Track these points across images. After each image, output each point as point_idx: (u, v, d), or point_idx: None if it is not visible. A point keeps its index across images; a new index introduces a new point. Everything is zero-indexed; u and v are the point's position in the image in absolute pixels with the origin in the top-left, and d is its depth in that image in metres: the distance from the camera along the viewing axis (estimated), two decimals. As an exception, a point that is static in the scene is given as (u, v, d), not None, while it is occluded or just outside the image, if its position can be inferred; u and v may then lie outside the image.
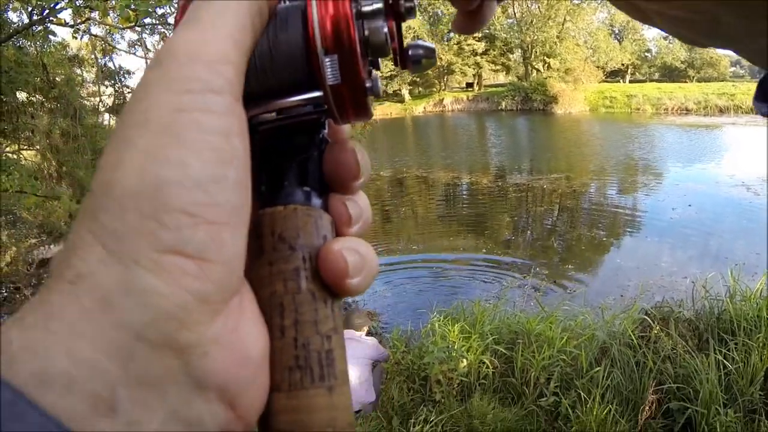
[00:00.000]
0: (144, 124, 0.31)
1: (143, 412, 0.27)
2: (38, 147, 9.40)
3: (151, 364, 0.28)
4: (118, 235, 0.29)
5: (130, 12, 6.47)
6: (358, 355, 5.73)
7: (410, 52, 0.42)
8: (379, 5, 0.38)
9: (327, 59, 0.35)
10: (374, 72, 0.42)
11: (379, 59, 0.42)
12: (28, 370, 0.25)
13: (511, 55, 56.82)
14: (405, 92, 57.97)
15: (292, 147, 0.39)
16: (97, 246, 0.29)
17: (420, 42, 0.42)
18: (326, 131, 0.42)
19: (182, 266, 0.29)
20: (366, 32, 0.37)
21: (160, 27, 9.70)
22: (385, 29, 0.38)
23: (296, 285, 0.35)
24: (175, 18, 0.37)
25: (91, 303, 0.28)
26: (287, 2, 0.37)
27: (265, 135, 0.38)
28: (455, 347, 5.86)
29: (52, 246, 11.49)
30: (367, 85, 0.37)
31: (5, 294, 9.73)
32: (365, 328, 6.18)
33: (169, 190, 0.30)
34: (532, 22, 51.87)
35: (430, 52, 0.42)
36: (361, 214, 0.40)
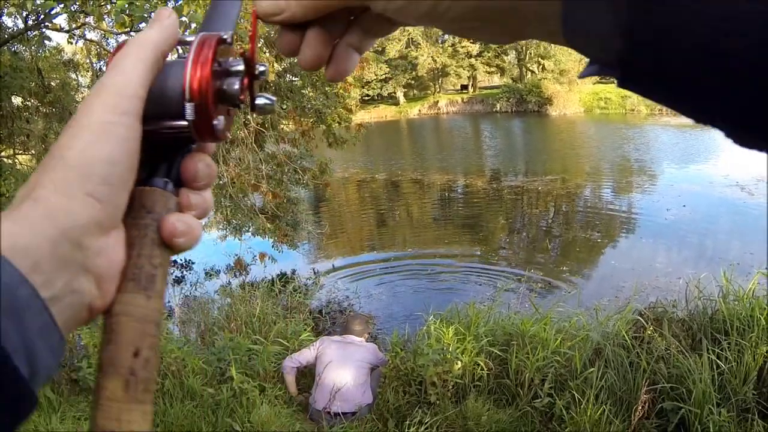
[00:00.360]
0: (87, 126, 0.49)
1: (56, 276, 0.44)
2: (34, 152, 9.38)
3: (67, 251, 0.45)
4: (64, 182, 0.46)
5: (125, 17, 6.48)
6: (357, 358, 5.75)
7: (256, 102, 0.57)
8: (240, 68, 0.55)
9: (188, 105, 0.51)
10: (231, 110, 0.58)
11: (261, 97, 0.58)
12: (6, 244, 0.42)
13: (505, 57, 56.76)
14: (400, 95, 57.97)
15: (163, 151, 0.55)
16: (51, 185, 0.46)
17: (265, 96, 0.58)
18: (196, 145, 0.56)
19: (93, 204, 0.47)
20: (224, 86, 0.53)
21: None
22: (236, 85, 0.54)
23: (145, 233, 0.52)
24: (112, 53, 0.54)
25: (44, 212, 0.45)
26: (173, 58, 0.53)
27: (149, 142, 0.52)
28: (450, 349, 5.87)
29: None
30: (214, 122, 0.52)
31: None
32: (366, 335, 6.20)
33: (95, 164, 0.48)
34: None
35: (270, 105, 0.58)
36: (200, 205, 0.56)
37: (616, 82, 0.42)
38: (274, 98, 0.58)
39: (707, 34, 0.35)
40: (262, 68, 0.56)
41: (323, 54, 0.54)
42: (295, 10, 0.50)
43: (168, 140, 0.53)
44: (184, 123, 0.51)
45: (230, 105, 0.55)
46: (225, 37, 0.53)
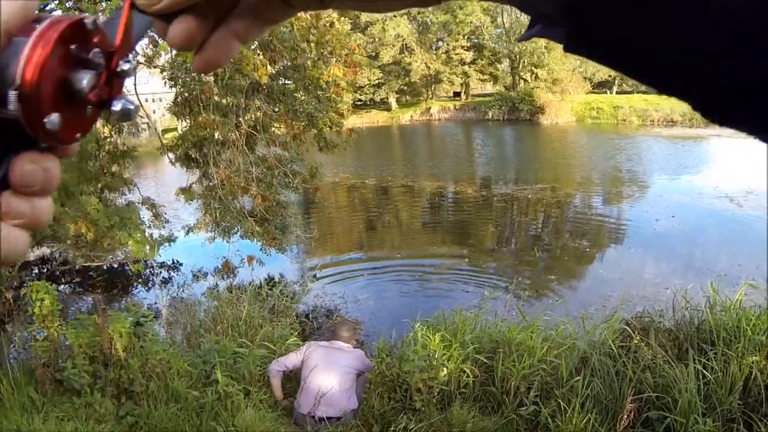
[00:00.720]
0: None
1: None
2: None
3: None
4: None
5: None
6: (343, 364, 5.74)
7: (112, 106, 0.49)
8: (100, 60, 0.47)
9: (11, 92, 0.42)
10: (86, 109, 0.48)
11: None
12: None
13: (499, 65, 56.88)
14: (392, 100, 57.98)
15: None
16: None
17: (126, 100, 0.49)
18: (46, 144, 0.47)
19: None
20: (71, 79, 0.45)
21: (149, 31, 9.65)
22: (85, 81, 0.45)
23: None
24: None
25: None
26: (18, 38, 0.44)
27: None
28: (436, 356, 5.86)
29: (35, 248, 11.43)
30: (45, 118, 0.43)
31: (-14, 297, 9.68)
32: (353, 342, 6.19)
33: None
34: (520, 32, 51.94)
35: (128, 112, 0.49)
36: (24, 214, 0.46)
37: (562, 45, 0.38)
38: (133, 104, 0.51)
39: None
40: (126, 65, 0.49)
41: (196, 33, 0.47)
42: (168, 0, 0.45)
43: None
44: (12, 112, 0.44)
45: (79, 102, 0.46)
46: (87, 21, 0.45)
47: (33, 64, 0.42)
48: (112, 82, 0.48)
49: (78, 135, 0.48)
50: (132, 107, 0.49)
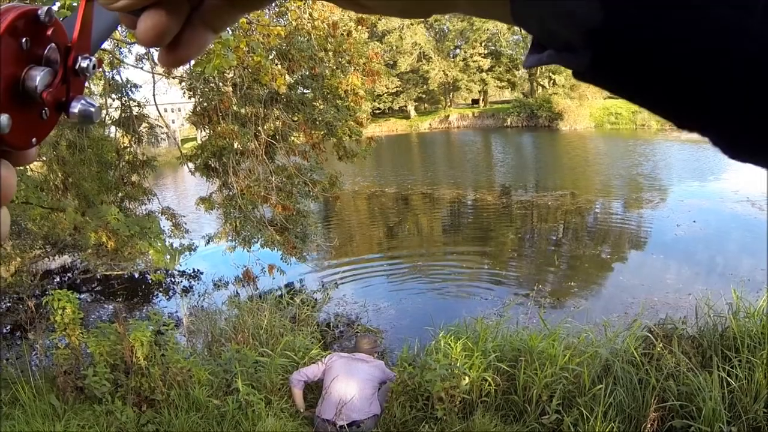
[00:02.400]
0: None
1: None
2: (45, 158, 9.41)
3: None
4: None
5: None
6: (364, 373, 5.73)
7: (70, 107, 0.44)
8: (56, 57, 0.42)
9: None
10: (42, 110, 0.43)
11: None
12: None
13: (516, 72, 56.80)
14: (411, 108, 58.06)
15: None
16: None
17: (85, 101, 0.44)
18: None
19: None
20: (23, 77, 0.40)
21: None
22: (38, 79, 0.40)
23: None
24: None
25: None
26: None
27: None
28: (458, 364, 5.84)
29: (56, 257, 11.51)
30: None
31: (9, 304, 9.75)
32: (374, 354, 6.19)
33: None
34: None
35: (90, 113, 0.44)
36: None
37: (574, 72, 0.35)
38: (95, 105, 0.45)
39: (725, 17, 0.29)
40: (85, 62, 0.44)
41: (165, 27, 0.42)
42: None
43: None
44: None
45: (32, 103, 0.42)
46: (40, 12, 0.40)
47: None
48: (69, 80, 0.44)
49: (34, 139, 0.43)
50: (93, 108, 0.45)
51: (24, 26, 0.39)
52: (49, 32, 0.41)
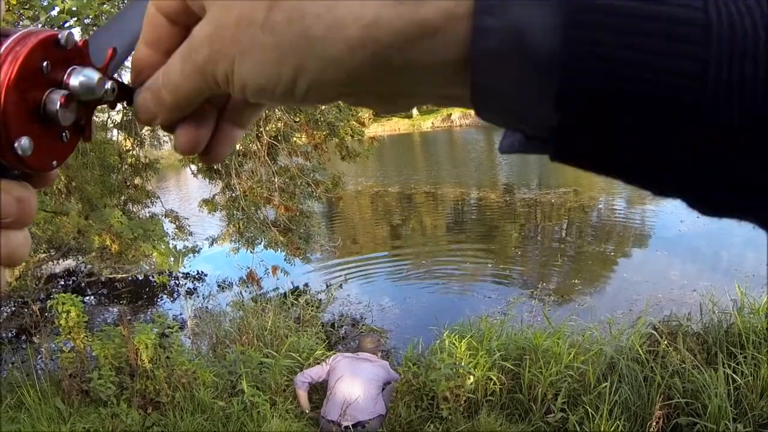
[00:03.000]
0: None
1: None
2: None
3: None
4: None
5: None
6: (368, 373, 5.74)
7: (69, 81, 0.43)
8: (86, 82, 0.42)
9: None
10: (62, 132, 0.43)
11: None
12: None
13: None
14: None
15: None
16: None
17: (86, 72, 0.43)
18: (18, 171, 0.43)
19: None
20: (44, 100, 0.40)
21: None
22: (58, 103, 0.40)
23: None
24: None
25: None
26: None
27: None
28: (462, 363, 5.84)
29: (60, 261, 11.52)
30: (15, 142, 0.39)
31: (13, 308, 9.76)
32: (378, 353, 6.21)
33: None
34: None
35: (88, 89, 0.43)
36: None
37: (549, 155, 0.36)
38: (95, 75, 0.43)
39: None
40: (108, 85, 0.43)
41: (199, 138, 0.47)
42: (166, 115, 0.45)
43: None
44: None
45: (53, 126, 0.42)
46: (60, 37, 0.41)
47: None
48: (92, 107, 0.45)
49: (54, 162, 0.43)
50: (94, 76, 0.43)
51: (45, 51, 0.40)
52: (70, 56, 0.42)
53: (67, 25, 7.01)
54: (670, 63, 0.30)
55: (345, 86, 0.37)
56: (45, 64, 0.40)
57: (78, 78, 0.42)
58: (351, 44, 0.35)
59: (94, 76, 0.42)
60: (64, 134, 0.43)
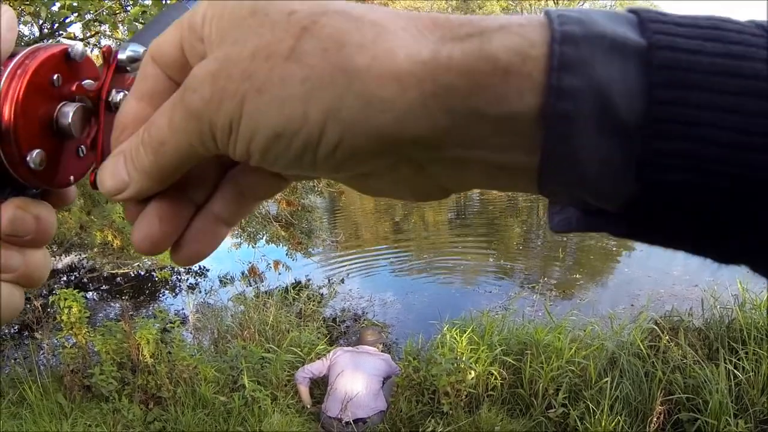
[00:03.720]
0: None
1: None
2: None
3: None
4: None
5: (139, 26, 6.51)
6: (369, 367, 5.74)
7: (118, 55, 0.43)
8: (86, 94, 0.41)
9: None
10: (76, 147, 0.43)
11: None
12: None
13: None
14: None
15: None
16: None
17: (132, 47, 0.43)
18: (37, 189, 0.42)
19: None
20: (56, 114, 0.40)
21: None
22: (70, 116, 0.40)
23: None
24: None
25: None
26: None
27: None
28: (463, 358, 5.84)
29: (63, 256, 11.52)
30: (27, 156, 0.38)
31: (16, 305, 9.77)
32: (379, 346, 6.20)
33: None
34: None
35: (134, 60, 0.42)
36: (14, 267, 0.40)
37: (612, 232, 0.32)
38: (140, 48, 0.43)
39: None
40: (119, 96, 0.42)
41: (170, 232, 0.39)
42: (141, 183, 0.36)
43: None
44: None
45: (67, 139, 0.42)
46: (71, 51, 0.40)
47: (8, 98, 0.37)
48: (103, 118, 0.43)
49: (72, 177, 0.42)
50: (140, 50, 0.42)
51: (56, 65, 0.39)
52: (82, 68, 0.41)
53: (68, 20, 7.00)
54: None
55: (384, 143, 0.30)
56: (56, 77, 0.39)
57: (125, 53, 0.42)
58: (403, 82, 0.28)
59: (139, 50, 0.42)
60: (80, 149, 0.43)
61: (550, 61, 0.28)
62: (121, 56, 0.42)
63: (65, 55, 0.40)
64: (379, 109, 0.28)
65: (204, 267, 12.71)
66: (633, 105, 0.27)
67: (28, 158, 0.38)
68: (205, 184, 0.40)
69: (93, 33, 8.21)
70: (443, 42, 0.29)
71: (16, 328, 9.04)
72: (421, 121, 0.29)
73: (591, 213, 0.33)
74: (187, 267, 12.55)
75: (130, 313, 7.84)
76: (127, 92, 0.41)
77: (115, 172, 0.37)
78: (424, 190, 0.36)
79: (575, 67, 0.27)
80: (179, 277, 12.36)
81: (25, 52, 0.38)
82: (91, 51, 9.47)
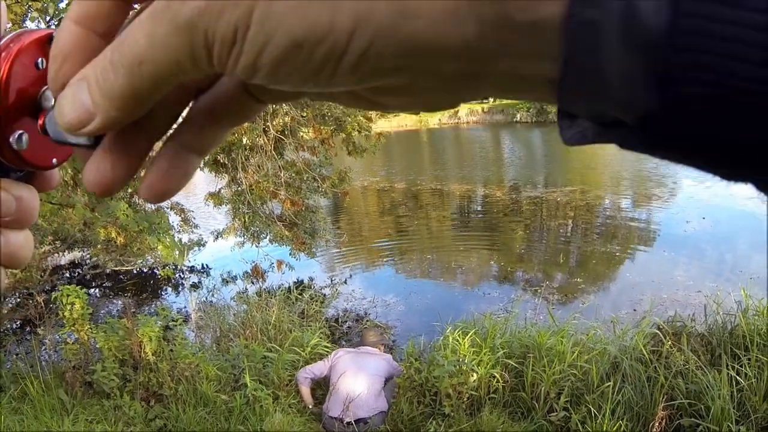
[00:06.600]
0: None
1: None
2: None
3: None
4: None
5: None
6: (371, 368, 5.74)
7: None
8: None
9: None
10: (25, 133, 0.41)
11: None
12: None
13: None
14: (420, 104, 57.97)
15: None
16: None
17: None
18: (22, 172, 0.43)
19: None
20: (40, 97, 0.40)
21: None
22: (53, 100, 0.38)
23: None
24: None
25: None
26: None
27: None
28: (466, 361, 5.83)
29: (66, 253, 11.55)
30: (10, 136, 0.38)
31: (18, 299, 9.79)
32: (381, 347, 6.19)
33: None
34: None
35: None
36: None
37: (622, 144, 0.31)
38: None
39: None
40: None
41: (123, 176, 0.36)
42: (109, 112, 0.32)
43: None
44: None
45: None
46: (54, 34, 0.38)
47: None
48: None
49: (54, 160, 0.43)
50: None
51: (39, 48, 0.39)
52: None
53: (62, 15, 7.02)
54: None
55: (412, 53, 0.28)
56: (40, 60, 0.39)
57: None
58: None
59: None
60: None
61: None
62: None
63: (50, 39, 0.39)
64: (412, 16, 0.26)
65: (207, 266, 12.73)
66: (659, 16, 0.26)
67: (11, 139, 0.38)
68: (167, 114, 0.37)
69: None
70: None
71: (18, 323, 9.06)
72: (451, 29, 0.27)
73: (606, 125, 0.31)
74: (191, 265, 12.57)
75: (133, 310, 7.84)
76: None
77: (77, 101, 0.32)
78: (435, 102, 0.33)
79: None
80: (182, 275, 12.37)
81: (10, 36, 0.38)
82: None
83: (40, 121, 0.40)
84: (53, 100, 0.38)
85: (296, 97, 0.37)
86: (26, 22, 8.53)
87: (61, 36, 0.34)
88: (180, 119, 0.38)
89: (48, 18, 8.12)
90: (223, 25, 0.27)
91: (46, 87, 0.39)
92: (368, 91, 0.32)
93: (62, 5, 6.94)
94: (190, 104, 0.37)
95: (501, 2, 0.26)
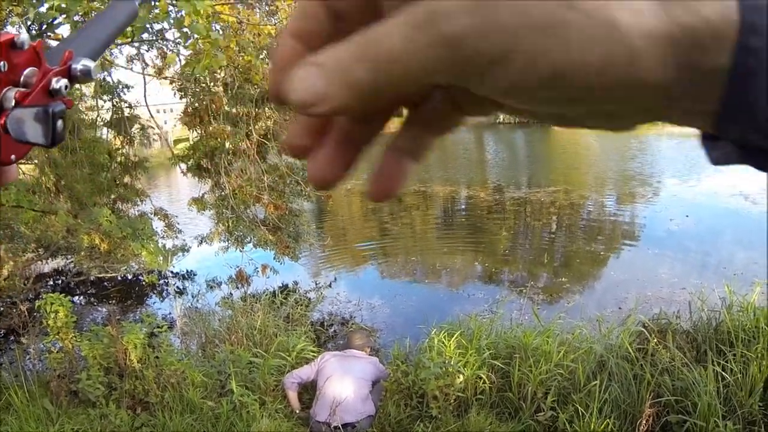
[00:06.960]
0: None
1: None
2: (36, 161, 9.36)
3: None
4: None
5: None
6: (358, 372, 5.72)
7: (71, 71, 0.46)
8: (32, 80, 0.43)
9: None
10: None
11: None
12: None
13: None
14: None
15: None
16: None
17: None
18: None
19: None
20: (1, 98, 0.42)
21: (157, 42, 9.72)
22: (12, 100, 0.42)
23: None
24: None
25: None
26: None
27: None
28: (452, 362, 5.83)
29: (49, 260, 11.46)
30: None
31: (1, 308, 9.70)
32: (367, 349, 6.17)
33: None
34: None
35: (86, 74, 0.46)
36: None
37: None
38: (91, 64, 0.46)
39: None
40: (59, 84, 0.44)
41: (341, 176, 0.41)
42: (342, 99, 0.33)
43: None
44: None
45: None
46: (17, 39, 0.42)
47: None
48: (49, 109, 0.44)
49: (13, 156, 0.44)
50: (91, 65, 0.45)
51: (11, 53, 0.41)
52: (26, 57, 0.42)
53: (56, 21, 6.97)
54: None
55: (634, 88, 0.32)
56: (2, 63, 0.41)
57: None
58: (653, 37, 0.31)
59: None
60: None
61: (742, 25, 0.30)
62: (75, 66, 0.45)
63: (11, 43, 0.41)
64: (635, 60, 0.30)
65: (191, 271, 12.68)
66: None
67: None
68: (383, 119, 0.42)
69: (80, 36, 8.17)
70: (665, 4, 0.31)
71: (2, 332, 8.98)
72: (658, 72, 0.31)
73: (750, 150, 0.35)
74: (175, 271, 12.52)
75: (117, 317, 7.78)
76: (65, 79, 0.44)
77: (311, 83, 0.34)
78: (621, 127, 0.37)
79: (757, 29, 0.30)
80: (166, 282, 12.31)
81: None
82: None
83: (1, 121, 0.41)
84: (14, 101, 0.40)
85: (497, 111, 0.40)
86: (7, 27, 8.46)
87: (282, 47, 0.38)
88: (393, 128, 0.43)
89: (29, 23, 8.06)
90: (489, 46, 0.30)
91: (7, 88, 0.41)
92: (571, 116, 0.36)
93: (42, 9, 6.89)
94: (408, 114, 0.42)
95: (693, 52, 0.31)
